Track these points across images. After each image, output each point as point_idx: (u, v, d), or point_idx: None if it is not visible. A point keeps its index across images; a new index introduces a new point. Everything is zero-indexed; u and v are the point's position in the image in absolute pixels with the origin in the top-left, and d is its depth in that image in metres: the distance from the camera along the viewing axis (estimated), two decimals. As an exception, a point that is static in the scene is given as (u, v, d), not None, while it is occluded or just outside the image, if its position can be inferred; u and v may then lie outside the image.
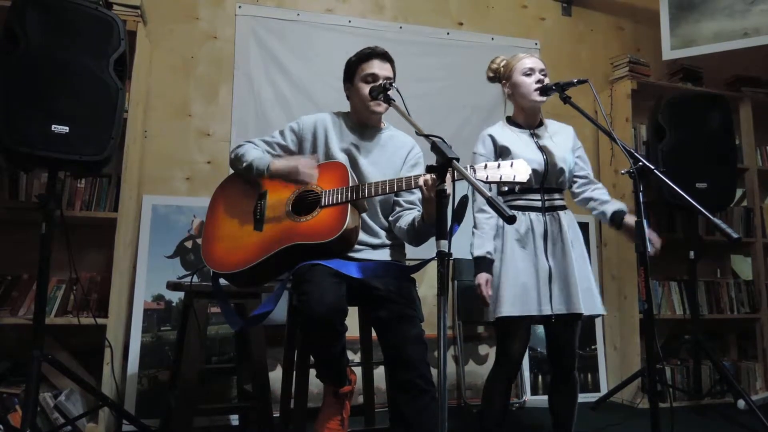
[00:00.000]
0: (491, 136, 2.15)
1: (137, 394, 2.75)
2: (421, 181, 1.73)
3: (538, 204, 2.10)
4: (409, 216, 1.98)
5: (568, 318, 2.04)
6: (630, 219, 2.07)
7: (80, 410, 2.44)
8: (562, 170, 2.12)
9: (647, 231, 2.01)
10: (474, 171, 1.65)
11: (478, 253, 2.07)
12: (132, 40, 2.69)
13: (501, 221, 2.10)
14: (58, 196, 2.28)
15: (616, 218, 2.12)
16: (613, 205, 2.16)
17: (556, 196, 2.14)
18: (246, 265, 1.87)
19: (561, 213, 2.12)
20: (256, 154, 2.01)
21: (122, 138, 2.54)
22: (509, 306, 1.99)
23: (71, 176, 2.62)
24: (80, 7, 2.22)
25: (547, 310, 2.01)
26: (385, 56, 2.06)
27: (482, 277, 2.05)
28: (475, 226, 2.11)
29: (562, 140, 2.20)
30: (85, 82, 2.18)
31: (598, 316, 2.11)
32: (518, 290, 2.01)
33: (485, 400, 2.12)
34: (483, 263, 2.06)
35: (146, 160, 3.06)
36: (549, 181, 2.11)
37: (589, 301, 2.05)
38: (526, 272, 2.03)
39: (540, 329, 3.11)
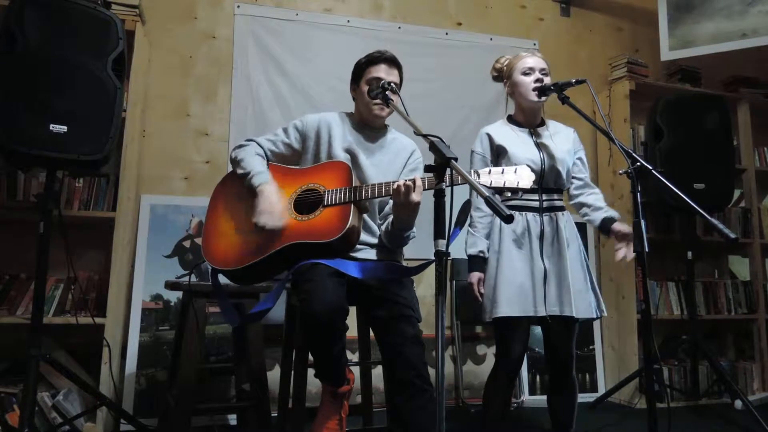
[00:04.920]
0: (488, 135, 2.16)
1: (135, 394, 2.75)
2: (394, 186, 1.74)
3: (536, 204, 2.10)
4: (389, 218, 1.99)
5: (563, 320, 2.04)
6: (619, 225, 2.05)
7: (78, 410, 2.43)
8: (559, 171, 2.12)
9: (627, 229, 1.99)
10: (478, 176, 1.66)
11: (471, 251, 2.10)
12: (130, 40, 2.68)
13: (497, 220, 2.10)
14: (56, 195, 2.28)
15: (605, 224, 2.10)
16: (604, 213, 2.14)
17: (555, 196, 2.14)
18: (246, 262, 1.87)
19: (559, 214, 2.12)
20: (256, 165, 1.98)
21: (120, 137, 2.55)
22: (506, 306, 1.99)
23: (69, 176, 2.62)
24: (78, 7, 2.22)
25: (541, 311, 2.01)
26: (393, 61, 2.07)
27: (474, 276, 2.08)
28: (469, 225, 2.12)
29: (562, 141, 2.20)
30: (84, 81, 2.17)
31: (593, 319, 2.10)
32: (515, 290, 2.01)
33: (486, 400, 2.11)
34: (476, 262, 2.09)
35: (144, 159, 3.06)
36: (546, 181, 2.11)
37: (582, 303, 2.04)
38: (523, 272, 2.03)
39: (538, 329, 3.12)
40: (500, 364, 2.10)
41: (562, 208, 2.15)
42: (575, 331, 2.10)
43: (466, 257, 2.12)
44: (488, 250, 2.09)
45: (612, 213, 2.14)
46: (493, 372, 2.12)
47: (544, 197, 2.11)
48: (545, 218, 2.09)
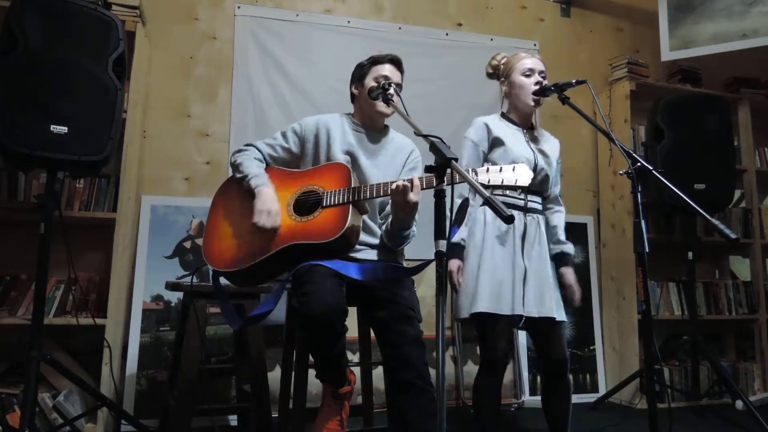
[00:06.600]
0: (486, 124, 2.15)
1: (136, 395, 2.75)
2: (392, 186, 1.74)
3: (521, 203, 2.10)
4: (390, 218, 1.99)
5: (548, 322, 2.03)
6: (566, 270, 2.15)
7: (79, 410, 2.43)
8: (548, 175, 2.14)
9: (572, 280, 2.14)
10: (475, 174, 1.66)
11: (452, 239, 2.06)
12: (131, 41, 2.68)
13: (479, 213, 2.09)
14: (57, 196, 2.28)
15: (557, 262, 2.17)
16: (559, 247, 2.18)
17: (537, 199, 2.15)
18: (246, 263, 1.87)
19: (539, 216, 2.13)
20: (254, 170, 2.00)
21: (121, 138, 2.55)
22: (487, 302, 1.97)
23: (70, 176, 2.61)
24: (79, 8, 2.22)
25: (519, 310, 2.00)
26: (399, 64, 2.08)
27: (454, 264, 2.05)
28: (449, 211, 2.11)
29: (551, 148, 2.22)
30: (84, 82, 2.17)
31: (562, 323, 2.10)
32: (495, 287, 1.99)
33: (476, 402, 2.09)
34: (456, 249, 2.07)
35: (145, 160, 3.06)
36: (534, 183, 2.11)
37: (558, 306, 2.06)
38: (503, 270, 2.02)
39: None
40: (486, 362, 2.07)
41: (541, 211, 2.16)
42: (563, 332, 2.09)
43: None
44: (468, 241, 2.07)
45: (565, 248, 2.19)
46: (479, 373, 2.09)
47: (529, 198, 2.11)
48: (528, 218, 2.09)
